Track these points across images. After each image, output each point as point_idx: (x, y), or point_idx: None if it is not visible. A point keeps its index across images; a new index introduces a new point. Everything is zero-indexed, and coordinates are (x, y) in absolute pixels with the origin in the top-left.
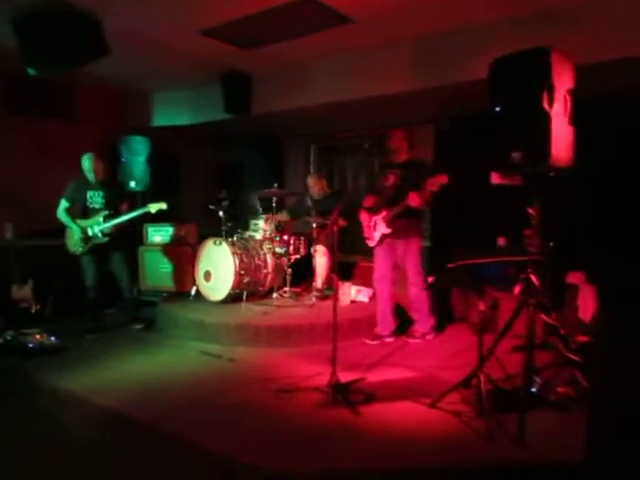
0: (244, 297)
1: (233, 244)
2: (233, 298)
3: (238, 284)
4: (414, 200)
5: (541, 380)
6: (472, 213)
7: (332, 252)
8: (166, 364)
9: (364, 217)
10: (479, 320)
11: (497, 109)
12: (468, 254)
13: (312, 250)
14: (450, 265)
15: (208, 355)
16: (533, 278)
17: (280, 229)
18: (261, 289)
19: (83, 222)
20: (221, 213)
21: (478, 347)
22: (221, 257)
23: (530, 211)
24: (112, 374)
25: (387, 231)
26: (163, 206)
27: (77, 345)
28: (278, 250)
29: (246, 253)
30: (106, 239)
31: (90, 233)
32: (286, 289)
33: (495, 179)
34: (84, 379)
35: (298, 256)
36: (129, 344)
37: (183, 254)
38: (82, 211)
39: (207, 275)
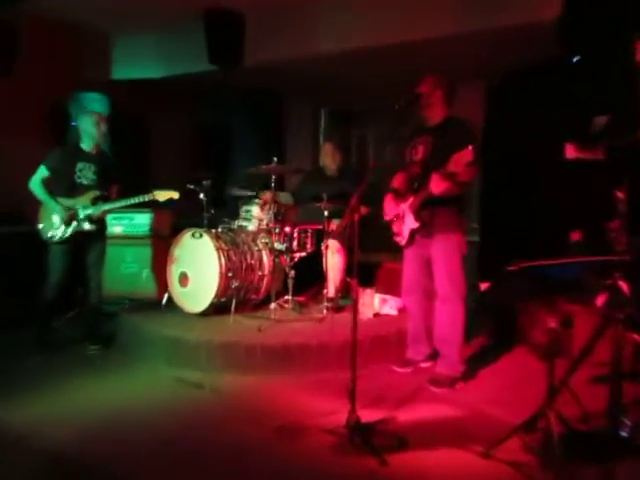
0: (232, 307)
1: (217, 237)
2: (217, 309)
3: (224, 290)
4: (436, 185)
5: (631, 421)
6: (536, 198)
7: (349, 249)
8: (130, 395)
9: (390, 204)
10: (547, 341)
11: (574, 59)
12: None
13: (322, 246)
14: (510, 268)
15: (185, 384)
16: (621, 285)
17: (280, 218)
18: (254, 297)
19: (67, 201)
20: (202, 195)
21: (546, 377)
22: (201, 254)
23: (617, 195)
24: (61, 406)
25: (415, 225)
26: (175, 195)
27: (17, 366)
28: (277, 246)
29: (235, 249)
30: (93, 227)
31: (79, 216)
32: (288, 297)
33: (570, 152)
34: (23, 412)
35: (304, 254)
36: (84, 367)
37: (152, 250)
38: (67, 187)
39: (183, 278)
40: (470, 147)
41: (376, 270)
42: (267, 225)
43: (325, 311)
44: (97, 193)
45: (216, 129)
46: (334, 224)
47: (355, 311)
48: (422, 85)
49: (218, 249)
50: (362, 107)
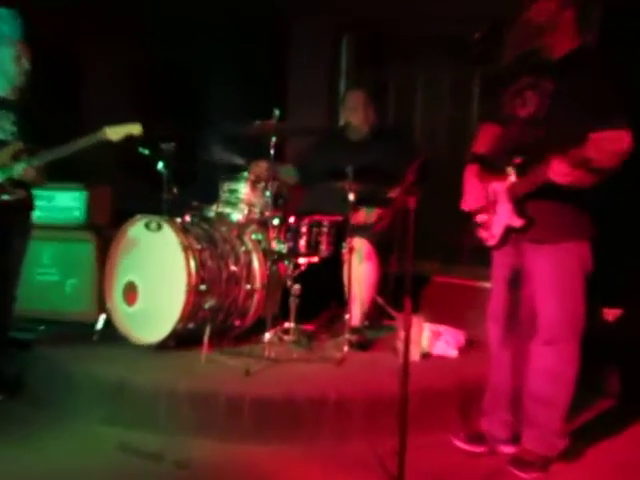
0: (205, 338)
1: (185, 230)
2: (182, 340)
3: (193, 312)
4: (560, 172)
5: None
6: None
7: (384, 253)
8: (49, 470)
9: (472, 183)
10: None
11: None
12: None
13: (344, 249)
14: None
15: (135, 454)
16: None
17: (282, 203)
18: (239, 324)
19: None
20: (161, 166)
21: None
22: (159, 256)
23: None
24: None
25: (516, 222)
26: (135, 130)
27: None
28: (276, 246)
29: (211, 249)
30: (14, 196)
31: None
32: (289, 325)
33: None
34: None
35: (316, 259)
36: None
37: (82, 248)
38: None
39: (130, 292)
40: (624, 127)
41: (422, 287)
42: (261, 214)
43: (346, 347)
44: (19, 146)
45: (184, 69)
46: (362, 214)
47: (404, 350)
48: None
49: (186, 249)
50: (408, 33)
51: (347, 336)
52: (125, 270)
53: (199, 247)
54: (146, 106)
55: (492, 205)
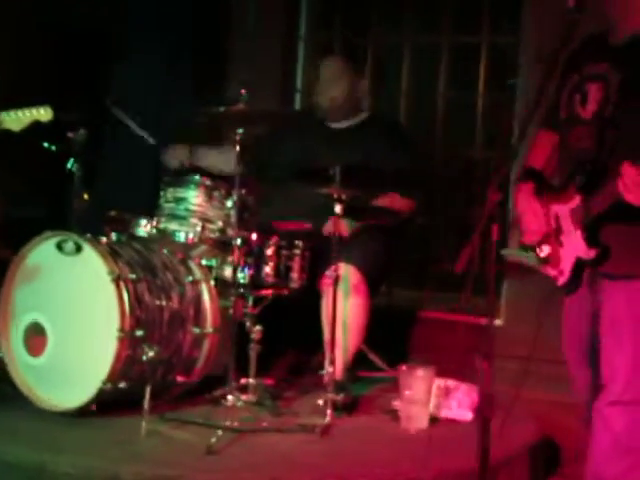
0: (146, 402)
1: (114, 253)
2: (111, 402)
3: (127, 367)
4: (631, 185)
5: None
6: None
7: (373, 281)
8: None
9: (531, 205)
10: None
11: None
12: None
13: (327, 277)
14: None
15: None
16: None
17: (247, 217)
18: (183, 379)
19: None
20: (71, 164)
21: None
22: (78, 289)
23: None
24: None
25: (588, 253)
26: (43, 116)
27: None
28: (232, 275)
29: (149, 279)
30: None
31: None
32: (246, 380)
33: None
34: None
35: (285, 292)
36: None
37: None
38: None
39: (34, 337)
40: None
41: (408, 324)
42: (222, 232)
43: (329, 411)
44: None
45: (95, 32)
46: (343, 227)
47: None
48: None
49: (117, 279)
50: None
51: (330, 395)
52: (26, 307)
53: (134, 277)
54: (46, 81)
55: (556, 234)
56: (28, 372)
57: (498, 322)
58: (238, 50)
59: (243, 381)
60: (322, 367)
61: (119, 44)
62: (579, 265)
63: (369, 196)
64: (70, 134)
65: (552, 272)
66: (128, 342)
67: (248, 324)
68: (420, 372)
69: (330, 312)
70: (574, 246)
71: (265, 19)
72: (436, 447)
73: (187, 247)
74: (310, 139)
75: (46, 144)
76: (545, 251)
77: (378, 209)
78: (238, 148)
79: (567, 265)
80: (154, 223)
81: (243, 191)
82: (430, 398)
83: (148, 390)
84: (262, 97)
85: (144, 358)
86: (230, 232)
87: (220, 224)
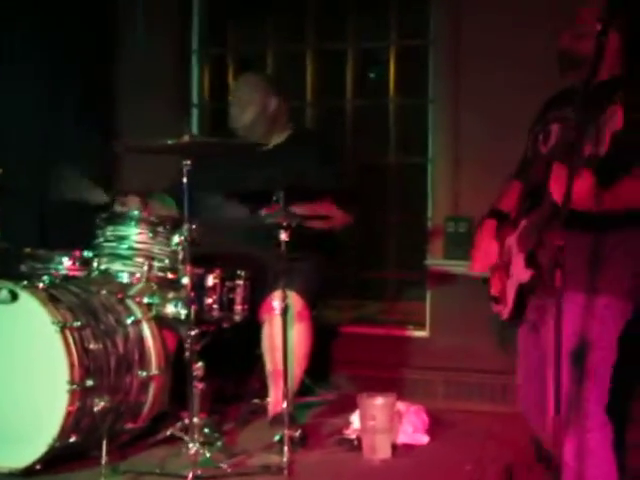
0: (103, 456)
1: (53, 299)
2: (59, 458)
3: (78, 419)
4: (554, 182)
5: None
6: None
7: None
8: None
9: (484, 239)
10: None
11: None
12: None
13: (275, 305)
14: None
15: None
16: None
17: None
18: (131, 425)
19: None
20: None
21: None
22: (17, 340)
23: None
24: None
25: (525, 276)
26: None
27: None
28: (171, 310)
29: (92, 324)
30: None
31: None
32: (189, 420)
33: None
34: None
35: (226, 325)
36: None
37: None
38: None
39: None
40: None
41: (330, 341)
42: (173, 271)
43: (286, 448)
44: None
45: None
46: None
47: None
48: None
49: (63, 328)
50: None
51: (287, 431)
52: None
53: (78, 324)
54: None
55: (506, 267)
56: None
57: (423, 333)
58: (126, 69)
59: (187, 421)
60: (255, 395)
61: None
62: (521, 294)
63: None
64: None
65: (498, 308)
66: (79, 394)
67: (189, 360)
68: (381, 400)
69: (279, 341)
70: (517, 272)
71: (155, 34)
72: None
73: (126, 286)
74: (234, 162)
75: None
76: (494, 284)
77: (313, 216)
78: (185, 180)
79: (510, 296)
80: (95, 264)
81: (192, 225)
82: (393, 426)
83: (105, 444)
84: (156, 114)
85: (95, 409)
86: (181, 269)
87: (167, 262)
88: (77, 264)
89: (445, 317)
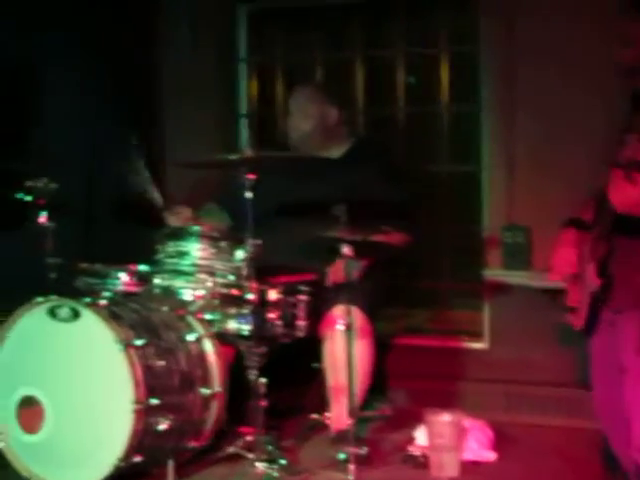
0: (170, 472)
1: (115, 317)
2: (119, 478)
3: (142, 439)
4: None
5: None
6: None
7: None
8: None
9: (563, 248)
10: None
11: None
12: None
13: (340, 321)
14: None
15: None
16: None
17: (252, 264)
18: (194, 444)
19: None
20: (44, 217)
21: None
22: (79, 358)
23: None
24: None
25: (595, 285)
26: None
27: None
28: (233, 327)
29: (155, 342)
30: None
31: None
32: (252, 437)
33: None
34: None
35: (287, 341)
36: None
37: None
38: None
39: (28, 412)
40: None
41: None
42: (239, 287)
43: (352, 466)
44: None
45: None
46: (341, 269)
47: None
48: None
49: (127, 346)
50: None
51: (352, 449)
52: (16, 381)
53: (141, 342)
54: None
55: (581, 277)
56: (23, 450)
57: (482, 345)
58: (171, 79)
59: (249, 438)
60: (312, 410)
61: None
62: (594, 304)
63: (371, 233)
64: (30, 183)
65: (571, 319)
66: (143, 413)
67: (251, 377)
68: (448, 418)
69: (341, 357)
70: (589, 281)
71: (201, 44)
72: None
73: (186, 302)
74: (293, 175)
75: (20, 194)
76: (571, 294)
77: (377, 245)
78: (250, 194)
79: (584, 306)
80: (156, 280)
81: (257, 240)
82: (460, 444)
83: (171, 465)
84: (201, 125)
85: (158, 428)
86: (245, 285)
87: (231, 278)
88: (134, 279)
89: (504, 328)
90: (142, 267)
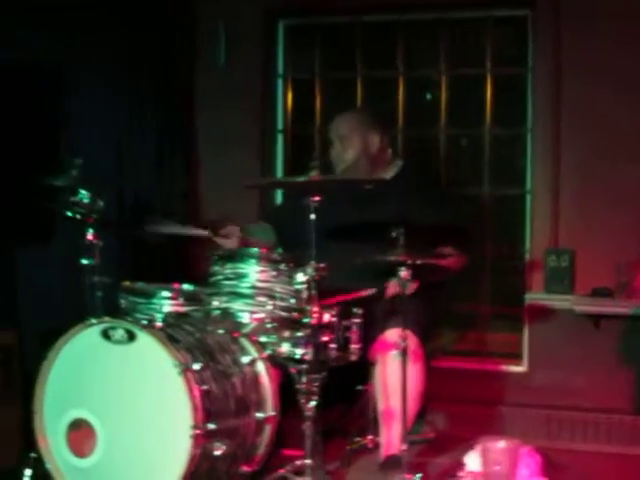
0: None
1: (172, 339)
2: None
3: (199, 465)
4: None
5: None
6: None
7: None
8: None
9: None
10: None
11: None
12: None
13: (396, 344)
14: None
15: None
16: None
17: (314, 287)
18: (246, 469)
19: None
20: (91, 235)
21: None
22: (134, 381)
23: None
24: None
25: None
26: None
27: None
28: (286, 350)
29: (211, 365)
30: None
31: None
32: (302, 461)
33: None
34: None
35: (340, 363)
36: None
37: None
38: None
39: (79, 435)
40: None
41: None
42: (301, 312)
43: None
44: None
45: (30, 80)
46: (393, 289)
47: None
48: None
49: (185, 370)
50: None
51: (404, 476)
52: (67, 403)
53: (199, 365)
54: None
55: None
56: (74, 475)
57: (521, 368)
58: (209, 94)
59: (298, 462)
60: (356, 432)
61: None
62: None
63: (429, 256)
64: (74, 199)
65: None
66: (201, 438)
67: (302, 400)
68: (504, 444)
69: (393, 381)
70: None
71: (238, 57)
72: None
73: (240, 324)
74: (337, 201)
75: (69, 212)
76: None
77: (436, 268)
78: (313, 216)
79: None
80: (215, 302)
81: (319, 263)
82: (515, 471)
83: None
84: (239, 140)
85: (215, 453)
86: (305, 308)
87: (292, 301)
88: (180, 299)
89: (545, 352)
90: (187, 286)
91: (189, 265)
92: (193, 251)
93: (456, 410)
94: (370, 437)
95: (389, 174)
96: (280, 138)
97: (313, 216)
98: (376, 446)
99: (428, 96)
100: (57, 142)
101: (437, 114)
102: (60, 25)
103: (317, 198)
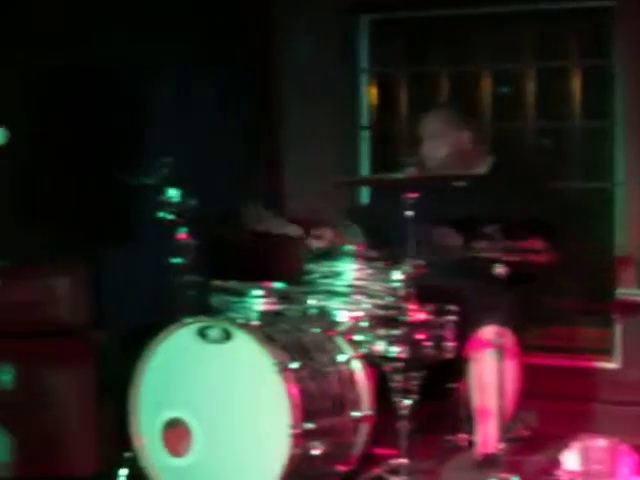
0: None
1: (268, 338)
2: None
3: (297, 465)
4: None
5: None
6: None
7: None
8: None
9: None
10: None
11: None
12: None
13: (482, 342)
14: None
15: None
16: None
17: (411, 285)
18: (342, 469)
19: None
20: (184, 234)
21: None
22: (230, 380)
23: None
24: None
25: None
26: None
27: None
28: (381, 349)
29: (308, 365)
30: None
31: None
32: (398, 461)
33: None
34: None
35: (435, 361)
36: None
37: (63, 365)
38: None
39: (174, 435)
40: None
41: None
42: (400, 309)
43: None
44: None
45: (114, 80)
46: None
47: None
48: None
49: (283, 370)
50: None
51: (502, 475)
52: (162, 402)
53: (296, 365)
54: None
55: None
56: (169, 474)
57: (613, 365)
58: (293, 89)
59: (393, 461)
60: (447, 430)
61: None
62: None
63: (524, 253)
64: (165, 198)
65: None
66: (300, 438)
67: (397, 399)
68: (605, 443)
69: (489, 379)
70: None
71: (322, 52)
72: None
73: (336, 323)
74: (429, 198)
75: (162, 213)
76: None
77: (530, 265)
78: (410, 213)
79: None
80: (313, 301)
81: (417, 261)
82: (615, 470)
83: None
84: (323, 135)
85: (312, 453)
86: (403, 306)
87: (390, 299)
88: (273, 298)
89: (637, 349)
90: (279, 285)
91: (276, 264)
92: (280, 250)
93: (547, 407)
94: (463, 435)
95: (482, 170)
96: (364, 135)
97: (411, 213)
98: (470, 445)
99: (512, 89)
100: (142, 141)
101: (524, 108)
102: (144, 24)
103: (414, 195)
